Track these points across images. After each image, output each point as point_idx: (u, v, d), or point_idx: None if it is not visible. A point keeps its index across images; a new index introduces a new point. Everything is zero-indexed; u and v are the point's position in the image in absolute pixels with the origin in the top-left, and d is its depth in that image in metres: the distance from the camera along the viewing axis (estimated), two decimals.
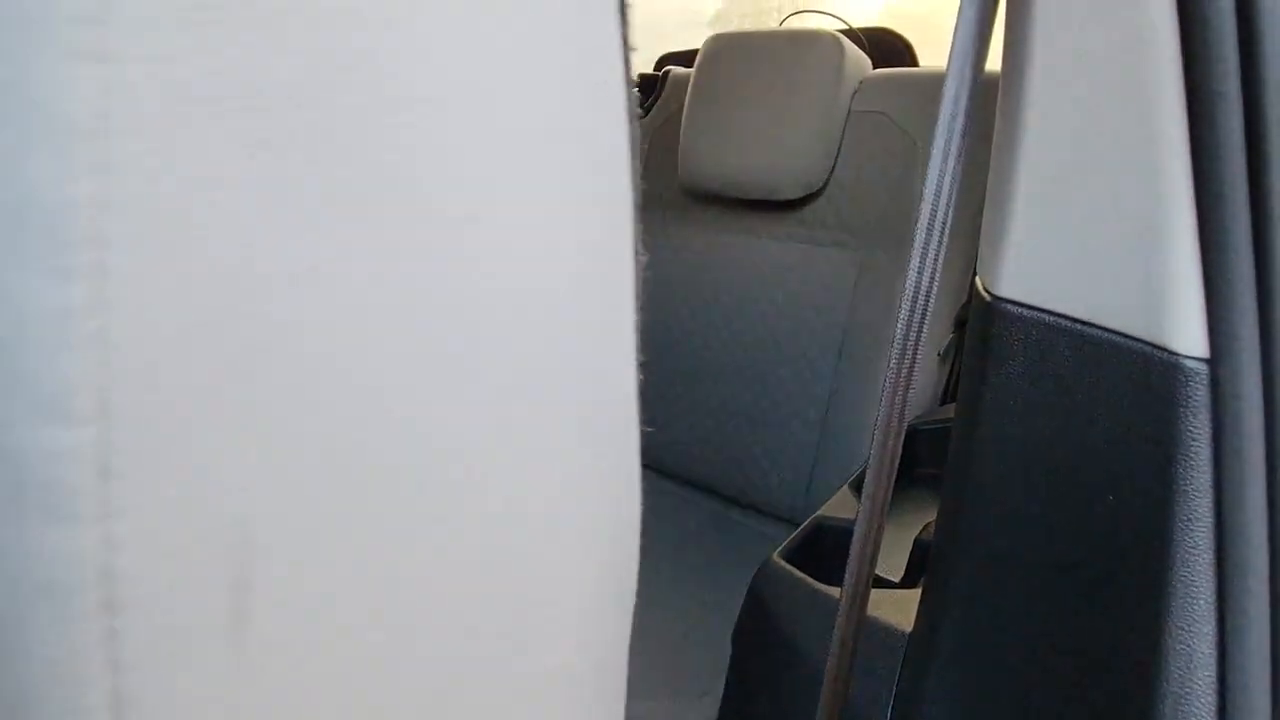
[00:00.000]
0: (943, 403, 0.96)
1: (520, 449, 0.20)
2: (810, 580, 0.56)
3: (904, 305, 0.34)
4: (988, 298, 0.36)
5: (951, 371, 0.94)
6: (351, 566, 0.18)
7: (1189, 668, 0.30)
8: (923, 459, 0.72)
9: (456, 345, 0.19)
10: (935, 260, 0.34)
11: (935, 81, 1.01)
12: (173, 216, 0.16)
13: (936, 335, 0.91)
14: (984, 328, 0.36)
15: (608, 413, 0.23)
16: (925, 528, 0.62)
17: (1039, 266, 0.33)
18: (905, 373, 0.34)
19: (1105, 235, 0.31)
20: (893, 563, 0.65)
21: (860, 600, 0.38)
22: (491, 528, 0.20)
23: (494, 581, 0.20)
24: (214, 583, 0.16)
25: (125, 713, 0.16)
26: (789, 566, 0.58)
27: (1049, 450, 0.35)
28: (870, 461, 0.36)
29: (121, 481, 0.16)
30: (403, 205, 0.18)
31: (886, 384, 0.34)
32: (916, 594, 0.51)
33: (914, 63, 1.32)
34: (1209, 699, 0.30)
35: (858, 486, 0.70)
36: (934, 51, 1.39)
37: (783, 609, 0.56)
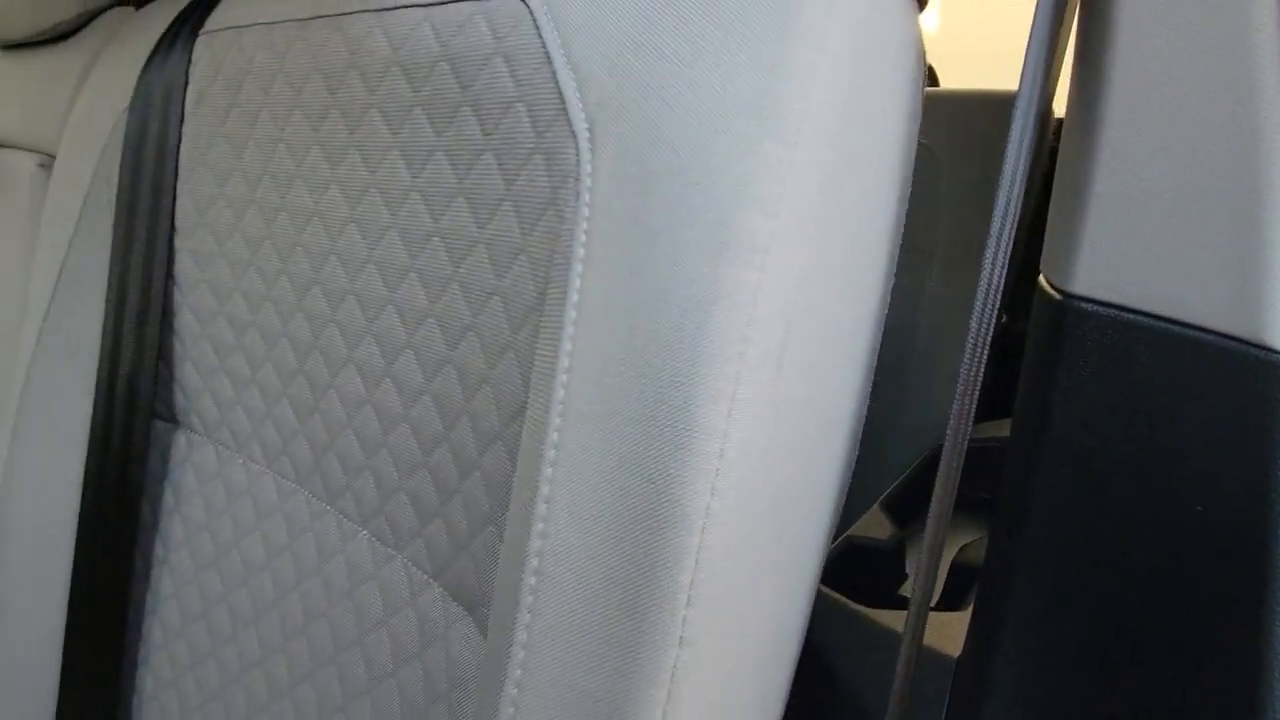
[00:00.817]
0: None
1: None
2: (847, 601, 0.53)
3: (976, 305, 0.31)
4: (1057, 297, 0.33)
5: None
6: (817, 385, 0.32)
7: None
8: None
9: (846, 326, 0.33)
10: (1004, 259, 0.32)
11: (958, 101, 0.99)
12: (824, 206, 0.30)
13: (960, 357, 0.88)
14: (1052, 329, 0.33)
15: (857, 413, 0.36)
16: (964, 549, 0.59)
17: (1118, 259, 0.31)
18: (974, 376, 0.32)
19: (1194, 222, 0.29)
20: None
21: (920, 626, 0.34)
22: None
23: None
24: (776, 343, 0.29)
25: (739, 389, 0.28)
26: (822, 587, 0.55)
27: (1126, 462, 0.32)
28: (939, 472, 0.33)
29: (773, 254, 0.28)
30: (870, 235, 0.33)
31: (957, 392, 0.32)
32: (958, 617, 0.47)
33: (935, 84, 1.30)
34: None
35: (888, 504, 0.67)
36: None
37: (817, 630, 0.53)
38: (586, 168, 0.31)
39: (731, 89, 0.28)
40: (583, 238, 0.30)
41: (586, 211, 0.30)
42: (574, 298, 0.30)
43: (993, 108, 0.94)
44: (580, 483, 0.30)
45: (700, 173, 0.28)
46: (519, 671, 0.31)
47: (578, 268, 0.30)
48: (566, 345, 0.30)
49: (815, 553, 0.35)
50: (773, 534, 0.31)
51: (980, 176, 0.85)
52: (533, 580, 0.31)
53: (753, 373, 0.28)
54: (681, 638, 0.29)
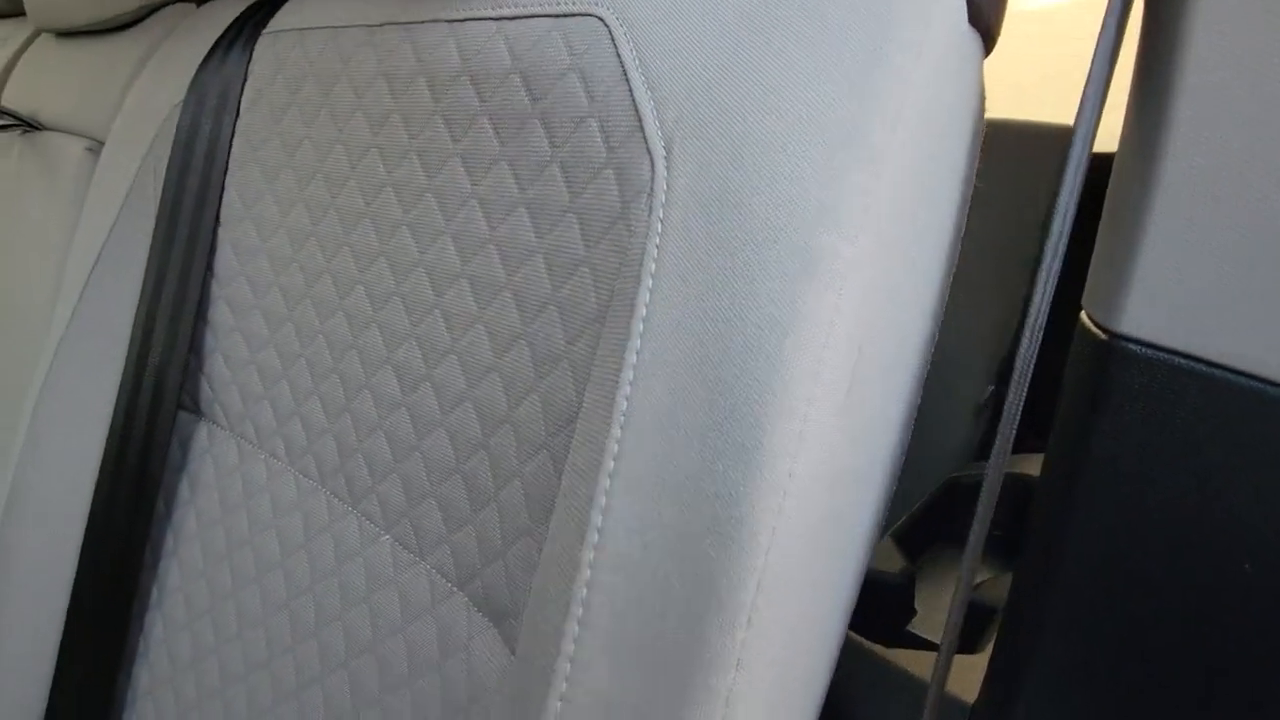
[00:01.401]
0: (976, 458, 0.91)
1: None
2: (862, 640, 0.51)
3: (1023, 340, 0.30)
4: (1101, 336, 0.32)
5: (990, 425, 0.90)
6: (876, 401, 0.31)
7: None
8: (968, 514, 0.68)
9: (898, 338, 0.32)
10: (1051, 294, 0.31)
11: (994, 129, 0.98)
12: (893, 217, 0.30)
13: (973, 388, 0.87)
14: (1095, 370, 0.32)
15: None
16: (978, 588, 0.57)
17: (1169, 301, 0.29)
18: (1014, 412, 0.30)
19: (1251, 266, 0.27)
20: (934, 623, 0.60)
21: (946, 670, 0.33)
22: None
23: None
24: (848, 366, 0.29)
25: (811, 411, 0.28)
26: None
27: (1170, 511, 0.30)
28: (978, 508, 0.31)
29: (850, 278, 0.28)
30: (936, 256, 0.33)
31: (1000, 427, 0.31)
32: (973, 660, 0.46)
33: None
34: None
35: (899, 538, 0.66)
36: None
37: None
38: (661, 184, 0.31)
39: (819, 114, 0.28)
40: (654, 252, 0.30)
41: (660, 226, 0.30)
42: (642, 311, 0.30)
43: (1018, 138, 0.93)
44: (641, 494, 0.29)
45: (785, 194, 0.28)
46: (564, 685, 0.30)
47: (647, 281, 0.30)
48: (631, 358, 0.30)
49: (853, 582, 0.33)
50: (825, 559, 0.30)
51: (1002, 206, 0.84)
52: (583, 591, 0.30)
53: (825, 394, 0.28)
54: (739, 660, 0.28)
